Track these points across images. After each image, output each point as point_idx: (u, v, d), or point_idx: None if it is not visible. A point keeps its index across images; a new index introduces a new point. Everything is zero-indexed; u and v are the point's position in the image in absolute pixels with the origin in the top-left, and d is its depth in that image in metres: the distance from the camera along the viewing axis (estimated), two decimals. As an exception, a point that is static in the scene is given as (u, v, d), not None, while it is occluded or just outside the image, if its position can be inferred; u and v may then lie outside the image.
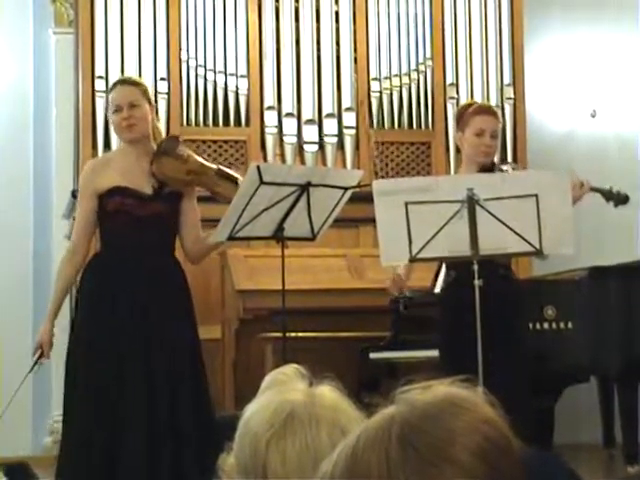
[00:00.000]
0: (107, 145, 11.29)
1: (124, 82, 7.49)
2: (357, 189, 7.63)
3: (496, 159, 7.77)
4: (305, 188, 7.29)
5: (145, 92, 7.39)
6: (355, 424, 2.46)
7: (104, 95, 11.26)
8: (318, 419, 2.58)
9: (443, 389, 2.04)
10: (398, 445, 1.91)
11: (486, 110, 7.89)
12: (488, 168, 7.56)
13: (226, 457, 2.78)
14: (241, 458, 2.68)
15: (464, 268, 7.18)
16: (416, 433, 1.93)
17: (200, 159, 7.49)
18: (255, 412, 2.70)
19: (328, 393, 2.66)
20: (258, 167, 7.31)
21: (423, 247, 6.88)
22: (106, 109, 7.49)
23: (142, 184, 7.13)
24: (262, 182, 7.16)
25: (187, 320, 7.39)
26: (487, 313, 6.96)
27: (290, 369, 2.82)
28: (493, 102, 11.79)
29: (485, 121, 7.62)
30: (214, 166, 7.52)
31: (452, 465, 1.89)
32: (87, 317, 7.14)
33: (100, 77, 11.42)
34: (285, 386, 2.74)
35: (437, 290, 8.93)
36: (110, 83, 11.09)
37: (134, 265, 7.09)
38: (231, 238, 7.39)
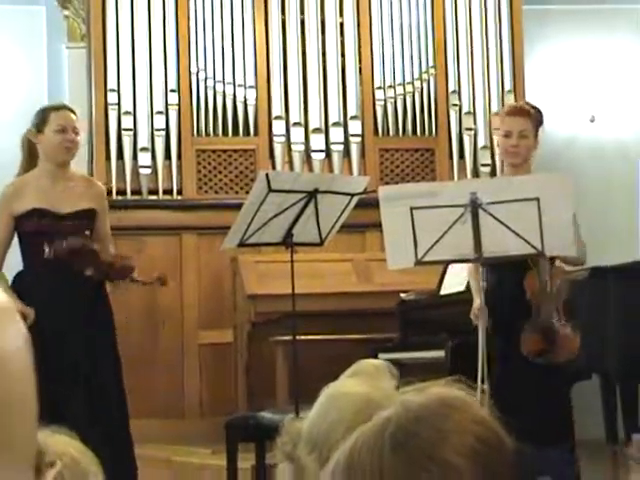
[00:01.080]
0: (120, 156, 11.34)
1: (68, 108, 7.54)
2: (363, 195, 7.64)
3: None
4: (313, 195, 7.30)
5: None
6: None
7: (116, 107, 11.36)
8: None
9: (436, 390, 2.02)
10: (390, 449, 1.92)
11: (513, 111, 7.90)
12: None
13: (293, 421, 2.85)
14: (315, 429, 2.74)
15: (502, 271, 7.34)
16: (407, 436, 1.93)
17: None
18: (343, 395, 2.77)
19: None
20: (267, 175, 7.34)
21: (428, 251, 6.87)
22: (37, 125, 7.39)
23: (58, 204, 7.17)
24: (271, 190, 7.17)
25: (108, 328, 7.53)
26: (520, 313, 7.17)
27: (381, 363, 2.89)
28: (495, 108, 11.82)
29: (511, 122, 7.63)
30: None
31: (442, 467, 1.88)
32: None
33: (112, 90, 11.45)
34: (374, 379, 2.79)
35: (442, 293, 8.96)
36: (122, 98, 11.26)
37: (55, 279, 7.09)
38: (241, 244, 7.41)
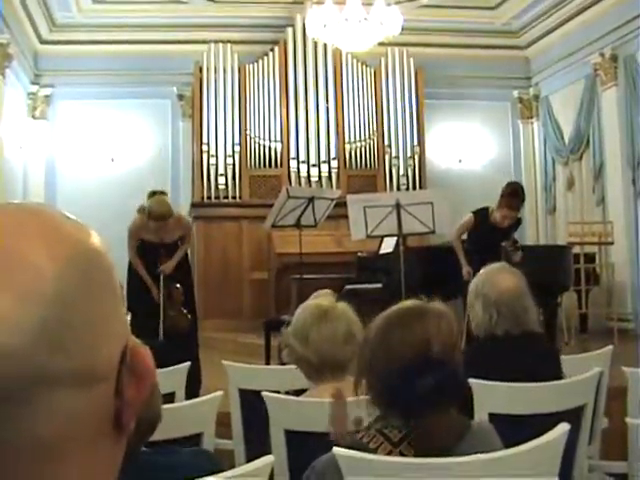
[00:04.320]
0: (208, 179, 11.32)
1: (161, 217, 6.63)
2: (338, 200, 7.51)
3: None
4: (312, 200, 7.19)
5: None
6: (355, 323, 2.83)
7: (207, 153, 11.35)
8: (339, 317, 2.82)
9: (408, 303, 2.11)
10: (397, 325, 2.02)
11: (515, 189, 7.06)
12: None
13: (286, 329, 2.94)
14: (296, 327, 2.86)
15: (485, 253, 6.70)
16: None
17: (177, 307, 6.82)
18: (309, 305, 2.92)
19: (344, 306, 2.88)
20: (287, 189, 7.25)
21: (373, 230, 6.80)
22: (143, 212, 6.69)
23: (161, 239, 6.65)
24: (289, 196, 7.06)
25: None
26: None
27: (326, 291, 3.20)
28: (409, 154, 11.76)
29: (509, 202, 6.90)
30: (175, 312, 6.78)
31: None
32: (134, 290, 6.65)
33: (205, 143, 11.39)
34: (324, 297, 2.99)
35: (380, 252, 8.83)
36: (210, 148, 11.10)
37: (154, 269, 6.64)
38: (273, 226, 7.31)
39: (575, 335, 9.31)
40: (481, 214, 7.07)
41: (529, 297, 3.39)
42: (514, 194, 6.93)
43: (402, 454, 1.91)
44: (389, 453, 1.92)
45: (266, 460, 1.88)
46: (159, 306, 6.61)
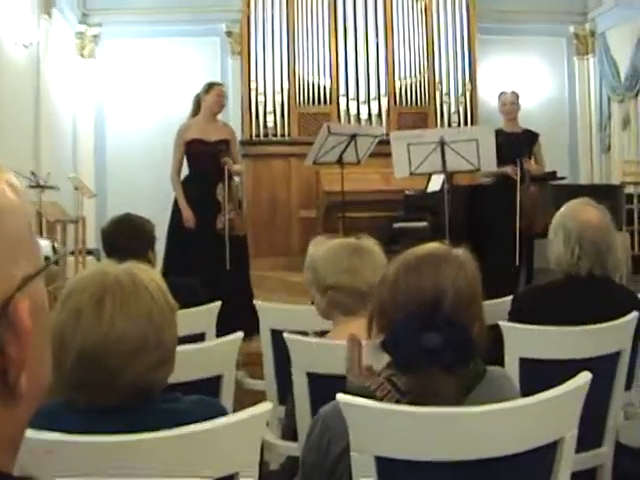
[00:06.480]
0: (257, 116, 11.25)
1: (222, 84, 7.10)
2: (385, 137, 7.33)
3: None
4: (353, 137, 7.03)
5: None
6: (382, 257, 2.82)
7: (255, 90, 11.30)
8: (374, 249, 2.85)
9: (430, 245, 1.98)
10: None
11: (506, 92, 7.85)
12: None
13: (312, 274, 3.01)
14: (334, 263, 2.88)
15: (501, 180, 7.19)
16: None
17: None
18: (336, 243, 2.94)
19: (372, 242, 2.90)
20: (328, 125, 7.12)
21: (417, 167, 6.62)
22: (205, 90, 6.82)
23: (209, 135, 6.69)
24: (330, 133, 6.91)
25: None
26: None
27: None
28: (460, 91, 11.53)
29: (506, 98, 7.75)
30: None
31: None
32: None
33: (253, 80, 11.31)
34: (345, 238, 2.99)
35: (428, 191, 8.68)
36: (258, 85, 11.00)
37: (205, 178, 6.61)
38: (314, 163, 7.14)
39: (626, 276, 9.06)
40: (498, 130, 7.33)
41: (614, 235, 3.16)
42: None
43: (409, 404, 1.80)
44: (396, 402, 1.82)
45: (262, 408, 1.78)
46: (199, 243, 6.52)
